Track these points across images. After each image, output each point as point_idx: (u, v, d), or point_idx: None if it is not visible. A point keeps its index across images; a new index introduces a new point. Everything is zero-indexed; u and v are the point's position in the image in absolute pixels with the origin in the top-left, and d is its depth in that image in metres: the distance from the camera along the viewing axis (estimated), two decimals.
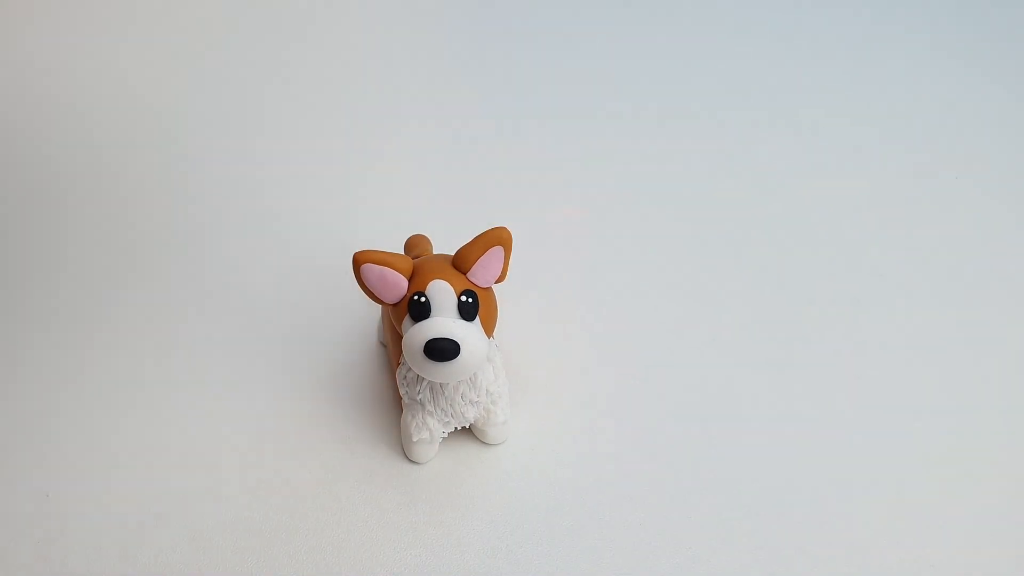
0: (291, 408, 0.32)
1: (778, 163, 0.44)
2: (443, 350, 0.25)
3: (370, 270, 0.26)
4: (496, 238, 0.27)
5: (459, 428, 0.30)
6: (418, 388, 0.28)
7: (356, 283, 0.28)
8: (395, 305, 0.27)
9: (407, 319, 0.27)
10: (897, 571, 0.27)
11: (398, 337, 0.30)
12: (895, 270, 0.38)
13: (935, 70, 0.51)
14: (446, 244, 0.30)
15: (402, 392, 0.29)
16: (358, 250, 0.26)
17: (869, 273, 0.38)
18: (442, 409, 0.29)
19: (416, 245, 0.34)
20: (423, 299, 0.26)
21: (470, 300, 0.26)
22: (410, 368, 0.28)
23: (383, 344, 0.35)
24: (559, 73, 0.52)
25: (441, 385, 0.28)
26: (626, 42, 0.54)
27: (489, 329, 0.27)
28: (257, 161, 0.45)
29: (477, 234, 0.27)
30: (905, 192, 0.42)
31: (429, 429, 0.29)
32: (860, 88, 0.49)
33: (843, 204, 0.42)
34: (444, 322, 0.26)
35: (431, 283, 0.26)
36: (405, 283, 0.27)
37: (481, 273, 0.27)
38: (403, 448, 0.30)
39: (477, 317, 0.27)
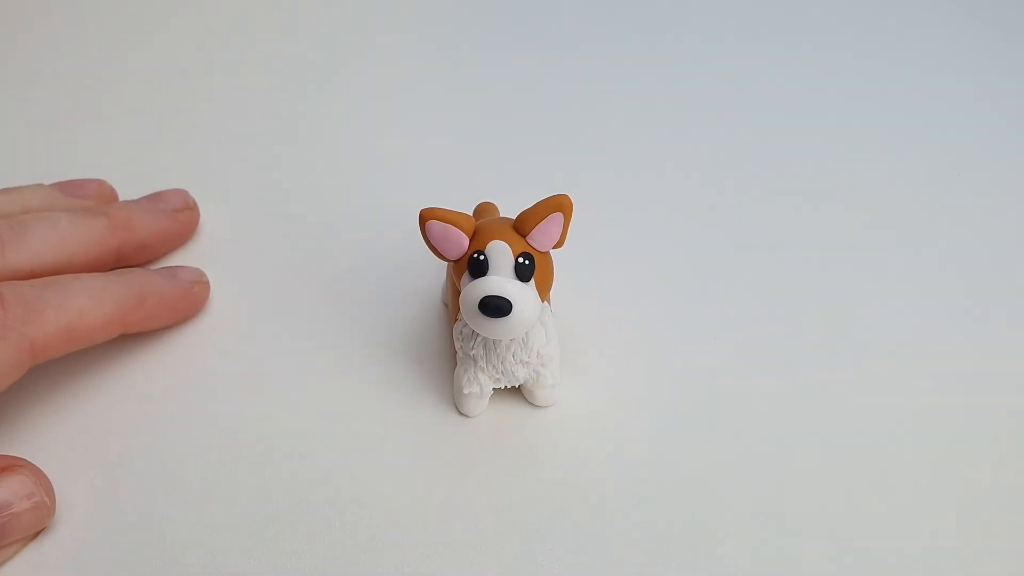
0: (352, 358, 0.34)
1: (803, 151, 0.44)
2: (497, 307, 0.27)
3: (434, 226, 0.28)
4: (556, 204, 0.28)
5: (508, 387, 0.31)
6: (472, 343, 0.30)
7: (422, 241, 0.29)
8: (456, 262, 0.28)
9: (466, 276, 0.28)
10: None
11: (457, 294, 0.31)
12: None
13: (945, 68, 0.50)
14: (512, 212, 0.31)
15: (457, 346, 0.31)
16: (425, 207, 0.28)
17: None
18: (493, 366, 0.30)
19: (485, 211, 0.35)
20: (482, 257, 0.27)
21: (526, 262, 0.28)
22: (466, 324, 0.30)
23: (445, 304, 0.36)
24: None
25: (494, 342, 0.29)
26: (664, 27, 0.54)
27: (544, 292, 0.28)
28: (324, 122, 0.46)
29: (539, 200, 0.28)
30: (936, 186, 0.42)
31: (479, 384, 0.30)
32: (873, 83, 0.49)
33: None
34: (500, 281, 0.27)
35: (490, 243, 0.28)
36: (466, 241, 0.28)
37: (540, 237, 0.28)
38: (454, 400, 0.32)
39: (532, 279, 0.28)
